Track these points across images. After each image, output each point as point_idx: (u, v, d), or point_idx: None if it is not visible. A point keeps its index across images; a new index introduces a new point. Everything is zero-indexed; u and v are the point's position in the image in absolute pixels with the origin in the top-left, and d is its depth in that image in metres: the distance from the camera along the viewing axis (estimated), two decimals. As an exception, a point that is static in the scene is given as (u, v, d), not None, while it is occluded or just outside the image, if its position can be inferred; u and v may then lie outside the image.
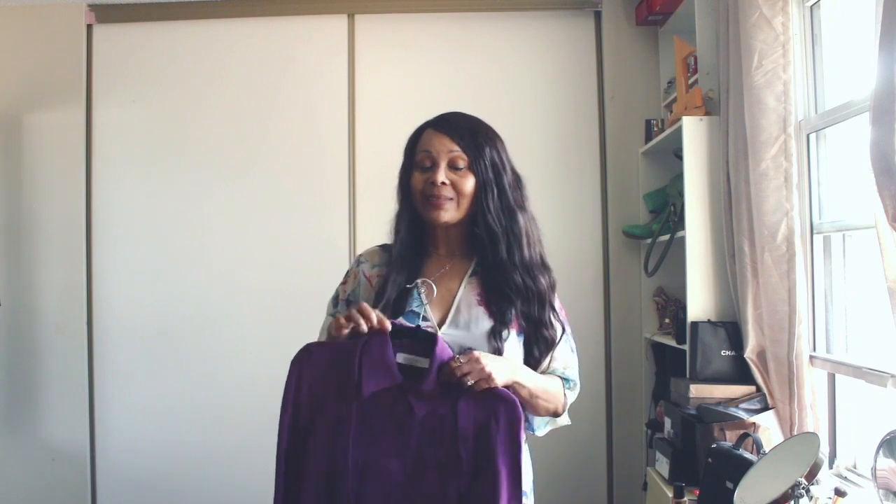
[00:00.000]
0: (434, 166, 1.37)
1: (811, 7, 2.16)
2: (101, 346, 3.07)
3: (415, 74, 3.09)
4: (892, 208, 1.49)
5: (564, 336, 1.47)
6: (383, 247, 1.49)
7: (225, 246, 3.08)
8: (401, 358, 1.25)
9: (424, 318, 1.36)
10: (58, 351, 3.06)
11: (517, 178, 1.45)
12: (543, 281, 1.43)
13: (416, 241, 1.44)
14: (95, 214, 3.09)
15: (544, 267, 1.44)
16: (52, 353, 3.06)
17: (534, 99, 3.09)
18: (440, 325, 1.37)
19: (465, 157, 1.37)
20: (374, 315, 1.22)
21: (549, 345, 1.42)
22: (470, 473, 1.22)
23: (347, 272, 1.50)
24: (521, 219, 1.40)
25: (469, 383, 1.22)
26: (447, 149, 1.38)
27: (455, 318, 1.38)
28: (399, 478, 1.22)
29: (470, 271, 1.43)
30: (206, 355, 3.05)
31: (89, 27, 3.11)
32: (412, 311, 1.37)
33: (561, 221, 3.06)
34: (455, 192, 1.37)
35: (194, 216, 3.08)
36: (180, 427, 3.04)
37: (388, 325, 1.23)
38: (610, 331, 3.04)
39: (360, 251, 1.55)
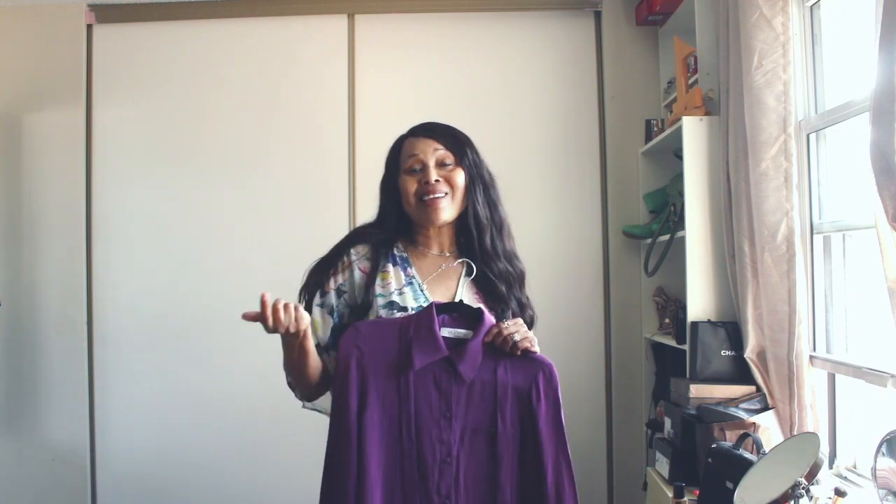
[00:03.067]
0: (424, 168, 1.43)
1: (811, 7, 2.16)
2: (102, 345, 3.07)
3: (415, 74, 3.09)
4: (892, 208, 1.49)
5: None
6: (369, 241, 1.48)
7: (225, 245, 3.08)
8: (445, 332, 1.33)
9: None
10: (58, 350, 3.06)
11: (492, 177, 1.51)
12: (521, 266, 1.53)
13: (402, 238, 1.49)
14: (95, 214, 3.09)
15: (517, 257, 1.53)
16: (52, 352, 3.06)
17: (534, 99, 3.09)
18: None
19: (451, 154, 1.44)
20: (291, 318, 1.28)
21: (531, 324, 1.50)
22: (516, 438, 1.32)
23: (335, 263, 1.46)
24: (501, 211, 1.50)
25: (515, 339, 1.30)
26: (433, 148, 1.43)
27: None
28: (452, 444, 1.31)
29: (464, 272, 1.49)
30: (207, 355, 3.04)
31: (89, 27, 3.11)
32: (422, 308, 1.40)
33: (561, 221, 3.06)
34: (449, 186, 1.42)
35: (194, 216, 3.08)
36: (181, 427, 3.04)
37: (304, 325, 1.28)
38: (610, 331, 3.03)
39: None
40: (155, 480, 3.04)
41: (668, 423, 2.36)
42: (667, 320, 2.81)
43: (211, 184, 3.08)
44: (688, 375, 2.30)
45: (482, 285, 1.47)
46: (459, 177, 1.43)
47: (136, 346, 3.07)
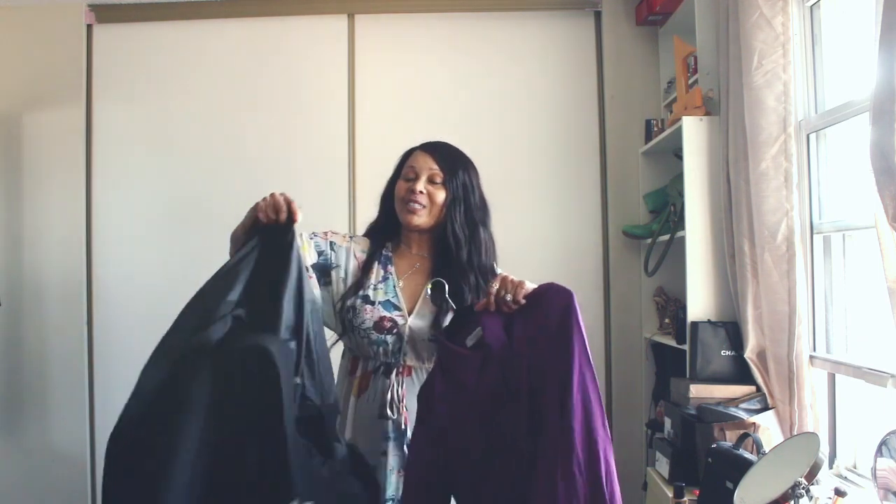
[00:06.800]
0: (416, 178, 1.64)
1: (811, 7, 2.16)
2: (101, 346, 3.07)
3: (415, 74, 3.09)
4: (892, 208, 1.49)
5: None
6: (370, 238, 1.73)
7: (225, 245, 3.07)
8: (470, 342, 1.42)
9: (397, 307, 1.61)
10: (58, 351, 3.05)
11: (484, 203, 1.70)
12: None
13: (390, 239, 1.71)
14: (95, 214, 3.09)
15: (487, 272, 1.65)
16: (52, 352, 3.06)
17: (534, 99, 3.09)
18: (409, 313, 1.61)
19: (441, 174, 1.64)
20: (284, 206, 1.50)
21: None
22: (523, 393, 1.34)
23: (321, 238, 1.66)
24: (481, 232, 1.67)
25: (509, 299, 1.39)
26: (428, 166, 1.65)
27: (421, 310, 1.62)
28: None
29: (431, 271, 1.67)
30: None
31: (89, 27, 3.11)
32: (389, 301, 1.62)
33: (561, 221, 3.06)
34: (429, 201, 1.63)
35: (194, 216, 3.08)
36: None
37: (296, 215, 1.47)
38: (610, 331, 3.03)
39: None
40: (155, 480, 3.04)
41: (668, 423, 2.36)
42: (667, 320, 2.81)
43: (211, 184, 3.08)
44: (688, 375, 2.30)
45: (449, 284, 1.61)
46: (440, 195, 1.63)
47: (137, 347, 3.02)
